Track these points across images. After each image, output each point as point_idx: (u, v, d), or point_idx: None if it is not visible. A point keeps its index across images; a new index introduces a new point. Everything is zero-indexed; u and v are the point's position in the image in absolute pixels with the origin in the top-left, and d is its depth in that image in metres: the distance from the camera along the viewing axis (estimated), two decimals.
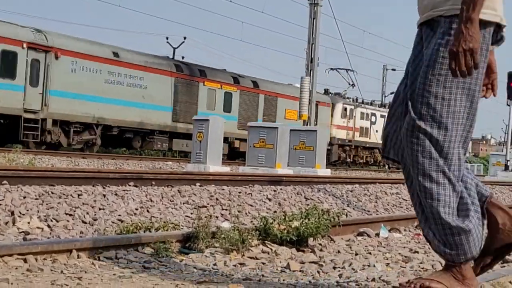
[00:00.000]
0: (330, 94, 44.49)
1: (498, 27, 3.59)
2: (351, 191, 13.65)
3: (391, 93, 65.20)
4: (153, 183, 10.84)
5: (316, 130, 22.35)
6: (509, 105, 33.26)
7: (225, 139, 28.83)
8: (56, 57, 26.54)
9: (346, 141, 42.95)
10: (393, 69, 64.86)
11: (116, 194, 8.79)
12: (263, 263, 5.41)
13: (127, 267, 4.75)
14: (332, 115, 41.66)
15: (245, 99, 34.93)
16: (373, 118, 46.34)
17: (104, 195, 8.64)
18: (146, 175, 11.76)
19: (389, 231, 8.14)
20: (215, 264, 5.17)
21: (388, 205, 12.92)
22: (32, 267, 4.31)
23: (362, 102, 46.31)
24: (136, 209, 8.20)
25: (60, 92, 26.71)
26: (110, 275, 4.39)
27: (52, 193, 8.31)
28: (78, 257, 4.81)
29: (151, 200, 8.90)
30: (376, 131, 44.80)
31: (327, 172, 22.16)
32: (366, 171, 37.05)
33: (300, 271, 5.13)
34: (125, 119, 29.17)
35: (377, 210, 12.06)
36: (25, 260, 4.42)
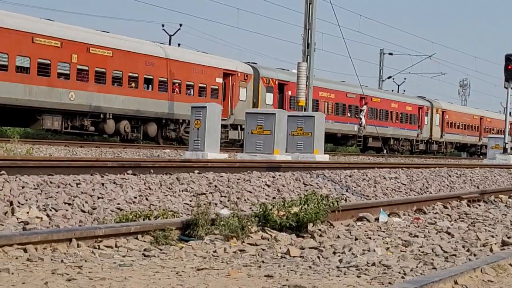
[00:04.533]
0: None
1: None
2: (350, 176, 13.65)
3: (388, 78, 65.16)
4: (152, 171, 10.83)
5: (313, 116, 22.22)
6: (506, 88, 33.24)
7: None
8: None
9: None
10: (390, 53, 64.68)
11: (114, 183, 8.78)
12: (263, 249, 5.42)
13: (127, 255, 4.76)
14: None
15: None
16: None
17: (103, 184, 8.63)
18: (144, 163, 11.76)
19: (389, 215, 8.14)
20: (215, 251, 5.17)
21: (387, 189, 12.92)
22: (32, 256, 4.31)
23: None
24: (135, 197, 8.19)
25: None
26: (110, 263, 4.39)
27: (51, 182, 8.30)
28: (78, 246, 4.81)
29: (150, 188, 8.90)
30: None
31: (325, 157, 22.12)
32: (364, 156, 37.22)
33: (300, 256, 5.13)
34: None
35: (376, 195, 12.07)
36: (25, 250, 4.42)
